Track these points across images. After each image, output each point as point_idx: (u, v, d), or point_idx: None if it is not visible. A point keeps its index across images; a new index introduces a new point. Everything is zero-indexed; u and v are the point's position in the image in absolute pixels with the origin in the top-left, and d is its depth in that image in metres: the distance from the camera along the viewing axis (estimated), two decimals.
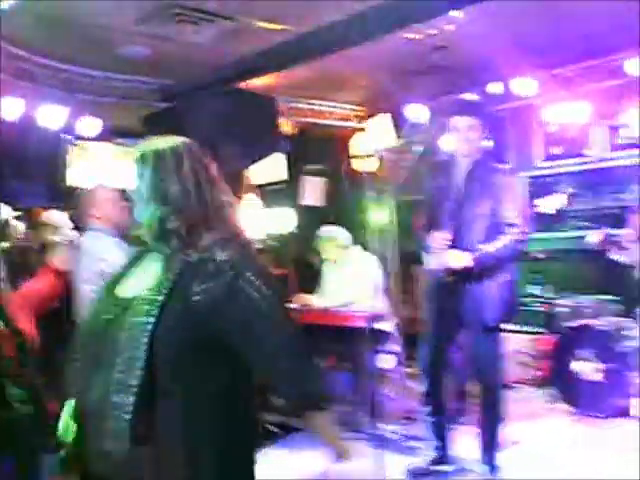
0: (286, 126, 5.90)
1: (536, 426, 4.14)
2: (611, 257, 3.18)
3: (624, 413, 4.04)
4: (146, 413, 1.38)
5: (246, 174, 5.78)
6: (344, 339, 4.19)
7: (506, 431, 3.54)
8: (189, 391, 1.40)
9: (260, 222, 5.98)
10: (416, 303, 4.95)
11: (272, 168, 6.10)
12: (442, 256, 3.15)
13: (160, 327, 1.39)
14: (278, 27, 4.10)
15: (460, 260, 3.12)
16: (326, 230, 4.80)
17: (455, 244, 3.15)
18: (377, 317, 4.40)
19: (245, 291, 1.41)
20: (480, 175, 3.23)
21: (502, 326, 3.34)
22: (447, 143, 3.28)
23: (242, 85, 4.60)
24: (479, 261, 3.11)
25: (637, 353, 4.02)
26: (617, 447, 3.66)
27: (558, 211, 5.52)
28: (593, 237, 3.00)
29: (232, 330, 1.42)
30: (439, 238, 3.15)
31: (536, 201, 3.68)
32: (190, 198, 1.49)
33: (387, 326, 4.54)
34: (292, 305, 4.68)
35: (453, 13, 3.93)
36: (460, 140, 3.25)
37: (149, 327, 1.39)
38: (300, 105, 5.93)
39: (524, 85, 4.89)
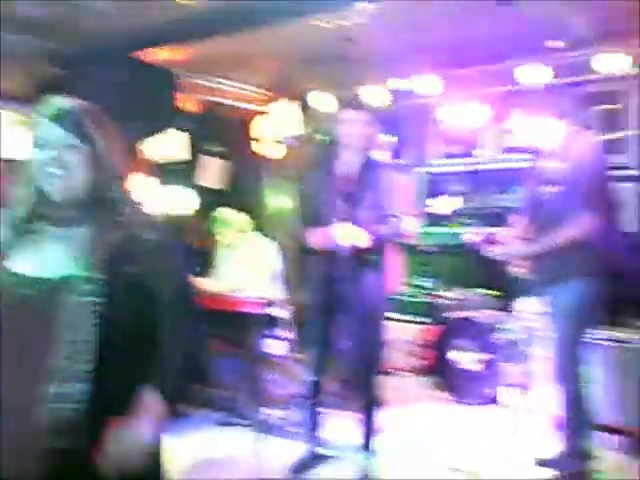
0: (188, 103, 5.73)
1: (414, 412, 4.31)
2: (486, 254, 3.35)
3: (496, 400, 4.29)
4: (97, 403, 1.29)
5: (140, 149, 5.56)
6: (234, 324, 4.16)
7: (385, 417, 3.66)
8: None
9: (157, 200, 5.79)
10: None
11: (173, 146, 5.90)
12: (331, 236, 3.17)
13: (108, 306, 1.32)
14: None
15: (356, 237, 3.15)
16: (222, 213, 4.72)
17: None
18: (269, 303, 4.41)
19: (170, 272, 1.47)
20: (368, 169, 3.28)
21: (389, 315, 3.43)
22: (343, 136, 3.30)
23: (141, 56, 4.40)
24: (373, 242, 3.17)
25: (510, 345, 4.28)
26: (487, 432, 3.89)
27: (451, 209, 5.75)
28: (469, 236, 3.15)
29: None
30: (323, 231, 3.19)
31: (429, 201, 3.79)
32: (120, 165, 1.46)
33: (280, 312, 4.55)
34: None
35: (362, 5, 3.95)
36: (351, 133, 3.27)
37: (96, 308, 1.31)
38: (205, 82, 5.77)
39: (424, 83, 5.02)
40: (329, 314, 3.35)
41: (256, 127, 6.10)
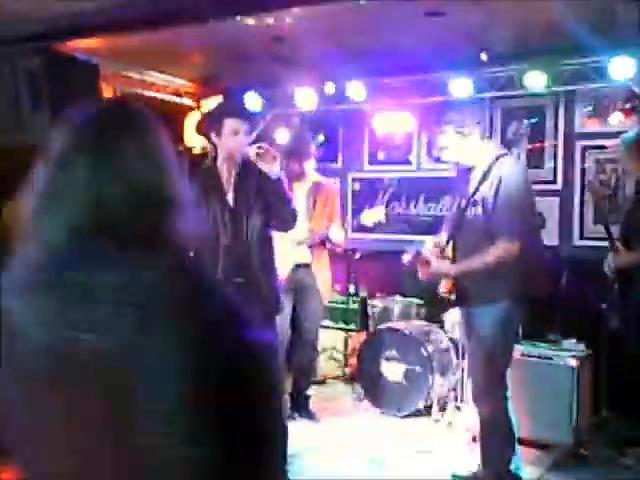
0: (110, 94, 5.43)
1: (341, 423, 4.27)
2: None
3: (423, 414, 4.31)
4: None
5: None
6: None
7: (312, 428, 3.59)
8: None
9: None
10: None
11: None
12: None
13: None
14: None
15: None
16: None
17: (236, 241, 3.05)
18: None
19: None
20: (249, 177, 3.12)
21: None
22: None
23: (61, 46, 4.10)
24: None
25: (439, 357, 4.31)
26: (409, 445, 3.89)
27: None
28: (407, 256, 3.11)
29: None
30: None
31: (359, 206, 3.75)
32: None
33: None
34: None
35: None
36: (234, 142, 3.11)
37: None
38: (130, 74, 5.48)
39: (354, 89, 4.97)
40: None
41: (189, 123, 5.88)
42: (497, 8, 4.05)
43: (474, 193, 3.03)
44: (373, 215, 3.71)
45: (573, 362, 3.74)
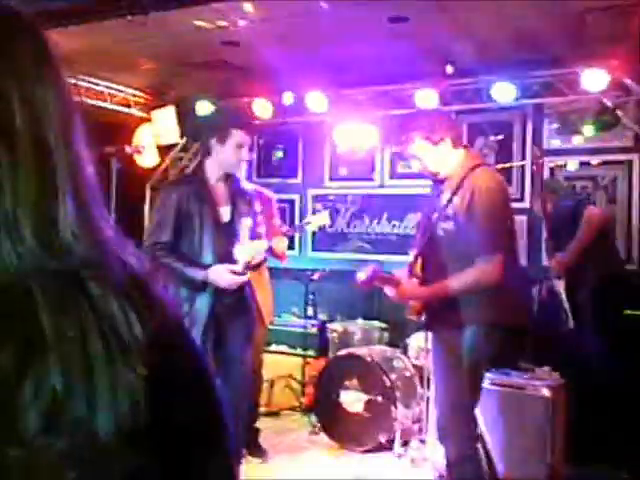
0: None
1: (294, 460, 3.90)
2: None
3: (385, 448, 3.96)
4: None
5: None
6: None
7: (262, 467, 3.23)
8: None
9: None
10: None
11: None
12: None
13: None
14: None
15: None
16: None
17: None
18: None
19: None
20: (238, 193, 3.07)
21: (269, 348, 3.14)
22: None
23: None
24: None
25: (403, 386, 3.99)
26: None
27: (339, 233, 5.48)
28: (361, 275, 2.78)
29: None
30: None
31: (317, 223, 3.44)
32: None
33: None
34: None
35: (245, 6, 3.56)
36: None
37: None
38: (72, 80, 5.10)
39: (316, 100, 4.70)
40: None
41: (138, 134, 5.52)
42: (463, 18, 3.88)
43: (446, 206, 2.73)
44: (318, 219, 3.41)
45: (547, 392, 3.46)
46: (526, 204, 4.90)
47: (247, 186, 3.15)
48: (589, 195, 4.75)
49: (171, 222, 2.89)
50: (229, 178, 3.02)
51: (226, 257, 2.91)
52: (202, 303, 2.89)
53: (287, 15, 3.86)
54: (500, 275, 2.60)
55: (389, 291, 2.79)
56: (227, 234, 2.95)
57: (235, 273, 2.89)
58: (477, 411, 2.90)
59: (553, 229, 4.07)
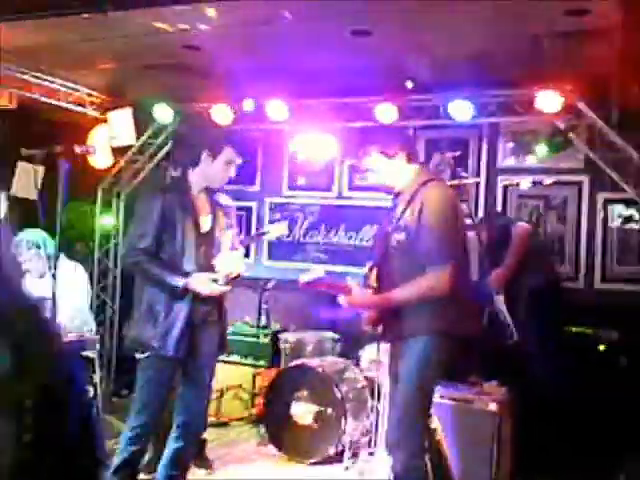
0: (6, 99, 4.90)
1: (241, 471, 3.83)
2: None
3: (334, 460, 3.93)
4: None
5: None
6: None
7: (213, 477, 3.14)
8: None
9: None
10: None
11: None
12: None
13: None
14: None
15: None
16: (26, 235, 3.94)
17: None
18: (78, 342, 3.77)
19: None
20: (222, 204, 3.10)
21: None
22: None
23: None
24: None
25: (353, 398, 3.97)
26: None
27: (296, 242, 5.46)
28: (304, 277, 2.81)
29: None
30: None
31: (273, 233, 3.42)
32: None
33: (88, 352, 3.90)
34: None
35: (207, 11, 3.52)
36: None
37: None
38: (25, 77, 4.96)
39: (276, 108, 4.69)
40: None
41: (91, 134, 5.38)
42: (424, 35, 3.93)
43: (399, 219, 2.80)
44: (276, 230, 3.41)
45: (494, 407, 3.50)
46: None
47: (224, 198, 3.15)
48: (540, 214, 4.86)
49: (153, 229, 2.86)
50: (209, 189, 3.05)
51: (206, 267, 2.91)
52: (180, 311, 2.85)
53: (250, 22, 3.84)
54: (449, 285, 2.63)
55: (341, 299, 2.81)
56: (207, 244, 2.96)
57: (215, 282, 2.89)
58: (436, 421, 2.92)
59: (488, 246, 4.15)
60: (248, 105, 4.77)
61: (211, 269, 2.92)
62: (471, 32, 3.80)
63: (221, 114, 4.84)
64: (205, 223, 2.99)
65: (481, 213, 5.03)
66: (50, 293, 3.63)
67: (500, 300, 4.01)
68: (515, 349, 3.79)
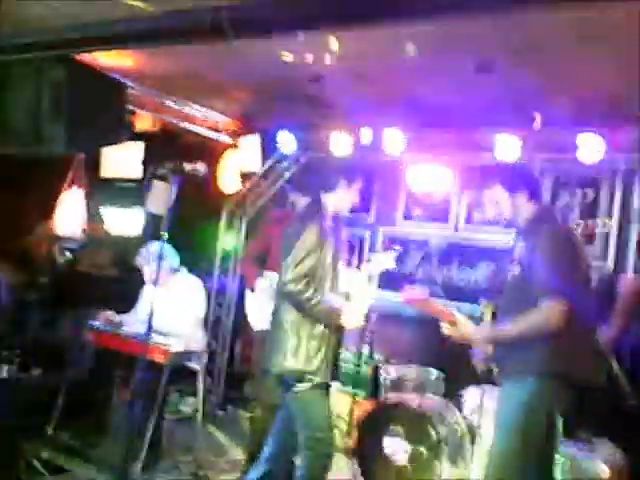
0: (143, 119, 5.35)
1: None
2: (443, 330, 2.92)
3: None
4: None
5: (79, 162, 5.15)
6: (140, 371, 3.64)
7: None
8: None
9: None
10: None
11: (125, 163, 5.50)
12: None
13: None
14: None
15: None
16: (151, 247, 4.22)
17: None
18: (185, 354, 3.96)
19: None
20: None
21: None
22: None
23: (89, 60, 3.97)
24: None
25: (451, 441, 3.78)
26: None
27: (406, 274, 5.36)
28: (407, 293, 2.79)
29: None
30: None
31: (385, 263, 3.39)
32: None
33: (194, 364, 4.09)
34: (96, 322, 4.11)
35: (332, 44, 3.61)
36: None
37: None
38: (166, 102, 5.37)
39: (393, 138, 4.67)
40: None
41: (225, 159, 5.73)
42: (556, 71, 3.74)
43: (516, 254, 2.79)
44: (383, 261, 3.36)
45: (605, 471, 3.17)
46: (608, 264, 4.59)
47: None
48: None
49: (315, 259, 2.96)
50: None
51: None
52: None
53: (373, 54, 3.87)
54: (560, 321, 2.50)
55: (446, 329, 2.75)
56: (333, 273, 3.08)
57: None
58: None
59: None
60: (366, 134, 4.81)
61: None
62: (603, 71, 3.58)
63: (341, 143, 4.92)
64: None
65: (612, 257, 4.65)
66: (164, 302, 3.87)
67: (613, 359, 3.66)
68: (633, 411, 3.42)
